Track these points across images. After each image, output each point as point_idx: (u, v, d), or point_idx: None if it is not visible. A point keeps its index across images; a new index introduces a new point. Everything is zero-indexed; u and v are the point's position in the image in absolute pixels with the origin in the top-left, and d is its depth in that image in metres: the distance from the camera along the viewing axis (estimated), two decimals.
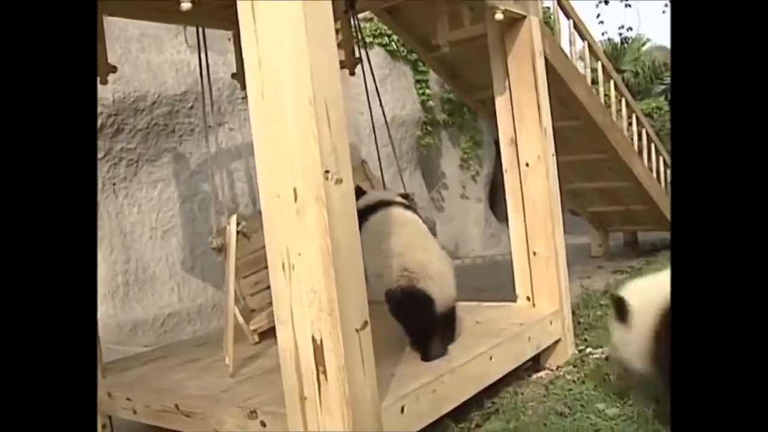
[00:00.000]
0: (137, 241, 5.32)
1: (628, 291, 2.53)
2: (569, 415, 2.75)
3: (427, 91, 7.77)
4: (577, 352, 3.59)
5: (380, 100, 4.22)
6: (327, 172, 2.12)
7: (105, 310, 5.07)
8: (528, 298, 3.67)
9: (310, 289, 2.16)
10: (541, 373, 3.34)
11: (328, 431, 2.15)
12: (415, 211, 3.26)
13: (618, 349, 2.56)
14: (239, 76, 4.17)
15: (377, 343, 2.28)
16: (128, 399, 2.95)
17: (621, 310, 2.47)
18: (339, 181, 2.16)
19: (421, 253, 2.91)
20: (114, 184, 5.25)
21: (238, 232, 2.98)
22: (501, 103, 3.65)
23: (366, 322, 2.23)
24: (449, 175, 8.90)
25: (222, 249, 2.99)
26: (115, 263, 5.19)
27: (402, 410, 2.41)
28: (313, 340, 2.17)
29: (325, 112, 2.13)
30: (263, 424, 2.43)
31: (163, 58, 5.39)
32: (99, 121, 5.05)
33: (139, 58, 5.24)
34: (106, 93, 5.03)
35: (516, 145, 3.59)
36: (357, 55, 4.27)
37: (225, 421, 2.55)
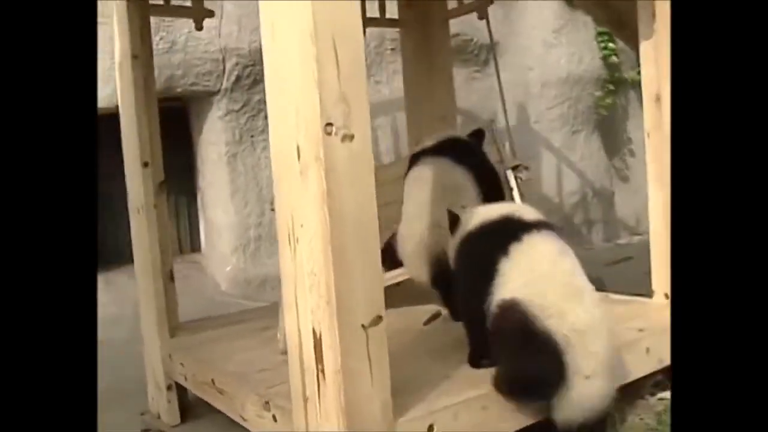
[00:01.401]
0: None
1: None
2: None
3: (610, 45, 6.81)
4: None
5: None
6: (329, 125, 1.67)
7: (235, 263, 5.08)
8: (667, 296, 2.93)
9: (311, 270, 1.75)
10: (664, 394, 2.64)
11: None
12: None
13: None
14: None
15: (416, 336, 1.80)
16: (181, 365, 2.79)
17: None
18: (348, 138, 1.70)
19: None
20: (252, 137, 5.18)
21: None
22: (646, 48, 2.89)
23: (379, 318, 1.77)
24: (637, 141, 7.83)
25: None
26: (248, 216, 5.15)
27: (430, 430, 1.93)
28: (314, 332, 1.78)
29: (333, 51, 1.68)
30: (275, 418, 2.10)
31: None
32: (236, 73, 4.97)
33: None
34: (242, 43, 4.93)
35: (661, 101, 2.83)
36: None
37: (246, 407, 2.26)
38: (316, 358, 1.78)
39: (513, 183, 2.94)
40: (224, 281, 5.02)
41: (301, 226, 1.77)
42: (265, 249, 5.15)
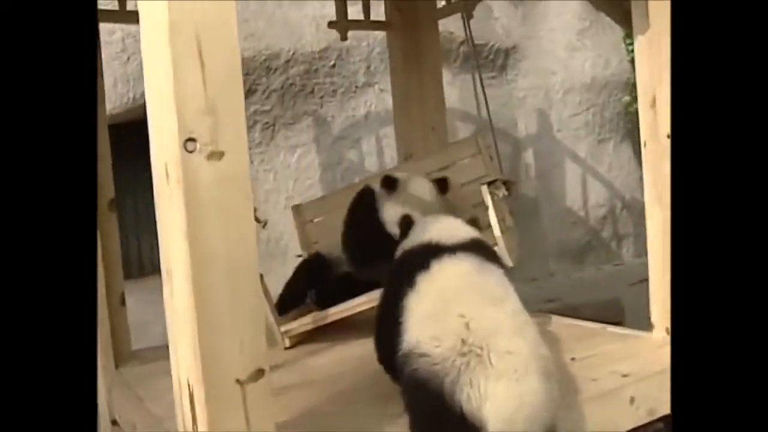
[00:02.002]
0: (271, 211, 4.97)
1: None
2: None
3: None
4: None
5: None
6: (191, 140, 1.39)
7: None
8: (668, 331, 2.54)
9: (183, 309, 1.47)
10: None
11: None
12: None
13: None
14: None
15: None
16: (117, 401, 2.55)
17: None
18: (215, 156, 1.42)
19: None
20: (249, 149, 4.93)
21: None
22: (641, 45, 2.53)
23: (260, 372, 1.48)
24: None
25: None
26: None
27: None
28: (188, 385, 1.49)
29: (196, 51, 1.40)
30: None
31: (303, 14, 4.90)
32: None
33: (275, 14, 4.82)
34: None
35: (656, 106, 2.46)
36: None
37: None
38: (192, 415, 1.49)
39: (488, 201, 2.61)
40: None
41: (175, 257, 1.49)
42: (262, 266, 4.89)
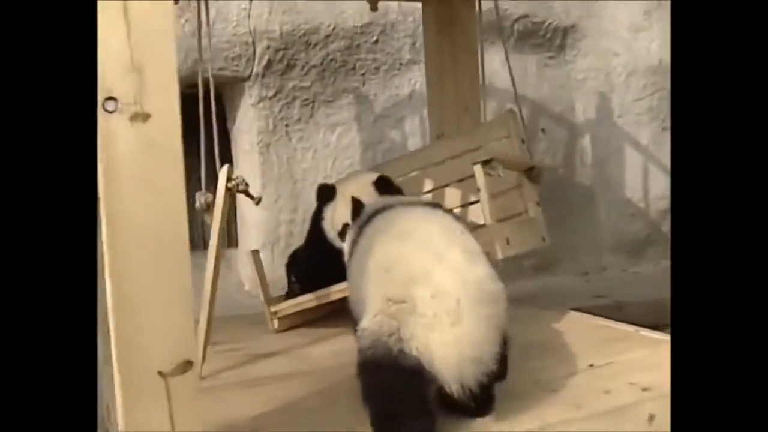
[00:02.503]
0: (308, 190, 4.83)
1: None
2: None
3: None
4: None
5: None
6: (110, 99, 1.23)
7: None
8: None
9: (102, 290, 1.33)
10: None
11: None
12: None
13: None
14: None
15: None
16: None
17: None
18: (139, 118, 1.25)
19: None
20: (287, 126, 4.81)
21: (229, 189, 2.21)
22: None
23: (187, 363, 1.31)
24: None
25: (209, 209, 2.25)
26: (279, 212, 4.80)
27: None
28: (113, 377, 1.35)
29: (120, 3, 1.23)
30: None
31: None
32: (267, 57, 4.62)
33: None
34: (272, 25, 4.57)
35: None
36: None
37: None
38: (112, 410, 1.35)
39: (480, 180, 2.36)
40: (249, 280, 4.70)
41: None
42: (296, 246, 4.78)
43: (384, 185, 2.66)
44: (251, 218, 4.85)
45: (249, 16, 4.56)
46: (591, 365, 2.19)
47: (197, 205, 2.26)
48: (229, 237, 5.20)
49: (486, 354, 1.61)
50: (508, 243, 2.49)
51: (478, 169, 2.33)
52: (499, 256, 2.43)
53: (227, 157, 5.05)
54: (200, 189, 2.29)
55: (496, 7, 3.19)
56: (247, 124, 4.77)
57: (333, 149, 4.89)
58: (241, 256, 4.92)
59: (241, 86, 4.69)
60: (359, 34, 4.77)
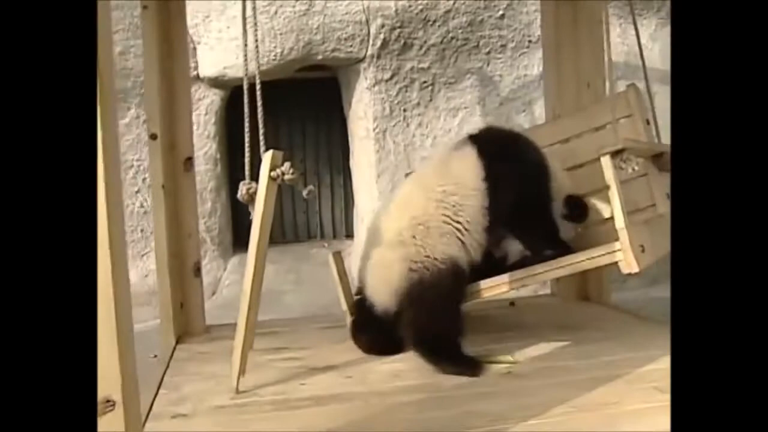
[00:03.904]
0: None
1: None
2: None
3: None
4: None
5: None
6: None
7: None
8: None
9: None
10: None
11: None
12: None
13: None
14: None
15: None
16: None
17: None
18: None
19: None
20: (404, 110, 4.52)
21: (273, 179, 1.95)
22: None
23: (107, 403, 1.05)
24: None
25: (252, 200, 1.99)
26: None
27: None
28: None
29: None
30: None
31: None
32: (382, 36, 4.34)
33: None
34: (387, 2, 4.27)
35: None
36: None
37: None
38: None
39: (609, 176, 1.90)
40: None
41: None
42: None
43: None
44: (364, 208, 4.62)
45: None
46: None
47: (239, 195, 2.02)
48: (335, 226, 5.04)
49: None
50: (643, 251, 1.99)
51: (606, 162, 1.87)
52: (635, 269, 1.94)
53: (344, 146, 4.89)
54: (243, 178, 2.05)
55: None
56: (363, 109, 4.54)
57: (454, 135, 4.52)
58: (355, 250, 4.70)
59: (355, 69, 4.46)
60: (483, 9, 4.36)
